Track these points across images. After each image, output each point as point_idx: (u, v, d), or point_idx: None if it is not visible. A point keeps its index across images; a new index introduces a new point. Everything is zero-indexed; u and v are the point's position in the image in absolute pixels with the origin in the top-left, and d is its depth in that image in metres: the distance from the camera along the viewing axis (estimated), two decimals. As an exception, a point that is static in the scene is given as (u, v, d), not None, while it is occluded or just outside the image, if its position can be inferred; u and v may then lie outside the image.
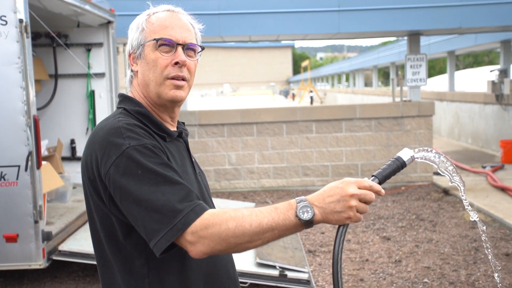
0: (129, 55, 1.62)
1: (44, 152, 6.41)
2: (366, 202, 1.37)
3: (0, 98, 4.47)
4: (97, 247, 1.57)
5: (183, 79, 1.57)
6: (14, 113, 4.46)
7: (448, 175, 1.51)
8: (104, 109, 7.13)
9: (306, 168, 8.97)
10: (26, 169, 4.49)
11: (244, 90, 58.48)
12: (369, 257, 5.61)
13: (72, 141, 7.20)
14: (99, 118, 7.09)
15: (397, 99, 9.72)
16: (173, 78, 1.55)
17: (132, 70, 1.62)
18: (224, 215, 1.35)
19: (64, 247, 5.04)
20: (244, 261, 5.04)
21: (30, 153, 4.49)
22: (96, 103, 7.13)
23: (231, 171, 8.88)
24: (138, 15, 1.66)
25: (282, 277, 4.80)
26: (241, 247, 1.37)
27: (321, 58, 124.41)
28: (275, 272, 4.85)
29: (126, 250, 1.49)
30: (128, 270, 1.50)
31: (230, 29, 8.27)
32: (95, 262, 4.89)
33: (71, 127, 7.17)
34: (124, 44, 7.35)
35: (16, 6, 4.40)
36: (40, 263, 4.63)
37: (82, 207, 5.99)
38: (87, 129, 7.17)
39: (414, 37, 9.60)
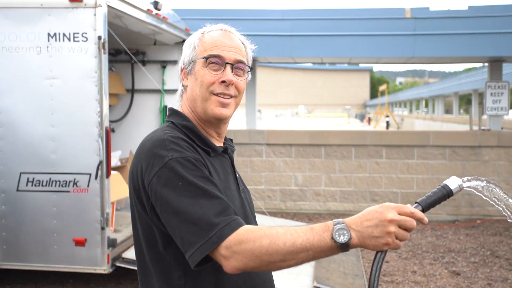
0: (181, 70, 1.66)
1: (116, 162, 6.69)
2: (407, 229, 1.31)
3: (76, 110, 4.73)
4: (138, 255, 1.60)
5: (230, 96, 1.59)
6: (88, 124, 4.69)
7: (503, 208, 1.42)
8: (176, 124, 7.35)
9: (374, 194, 8.75)
10: (96, 177, 4.70)
11: (319, 112, 58.24)
12: (434, 291, 5.34)
13: (144, 154, 7.45)
14: (171, 133, 7.31)
15: (476, 128, 9.29)
16: (218, 95, 1.57)
17: (182, 85, 1.67)
18: (258, 232, 1.34)
19: (127, 254, 5.20)
20: (301, 284, 4.97)
21: (100, 162, 4.70)
22: (168, 118, 7.36)
23: (297, 192, 8.83)
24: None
25: (339, 303, 4.69)
26: (274, 266, 1.35)
27: (400, 83, 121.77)
28: (332, 298, 4.74)
29: (165, 260, 1.51)
30: (166, 280, 1.52)
31: (302, 51, 8.30)
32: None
33: (143, 140, 7.43)
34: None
35: (96, 24, 4.67)
36: (104, 268, 4.80)
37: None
38: (159, 143, 7.41)
39: (495, 63, 9.17)
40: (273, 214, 8.41)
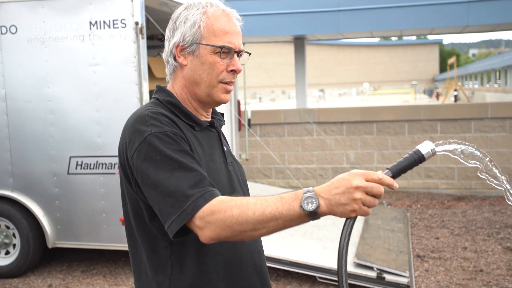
0: (176, 47, 1.61)
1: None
2: (375, 195, 1.29)
3: (118, 94, 4.92)
4: (128, 228, 1.67)
5: (232, 84, 1.63)
6: (129, 108, 4.86)
7: (481, 166, 1.36)
8: (224, 105, 7.45)
9: (429, 170, 8.50)
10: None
11: (385, 89, 56.79)
12: (485, 267, 5.16)
13: (194, 136, 7.64)
14: (219, 114, 7.43)
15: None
16: (225, 83, 1.60)
17: (177, 61, 1.63)
18: (230, 202, 1.37)
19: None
20: (342, 260, 4.97)
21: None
22: (216, 100, 7.48)
23: (350, 170, 8.72)
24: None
25: (380, 279, 4.64)
26: (246, 235, 1.37)
27: (473, 55, 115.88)
28: (373, 274, 4.70)
29: (152, 232, 1.57)
30: (153, 251, 1.58)
31: (350, 26, 8.12)
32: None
33: (193, 122, 7.60)
34: (243, 43, 7.57)
35: (134, 10, 4.82)
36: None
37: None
38: (207, 124, 7.56)
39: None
40: (326, 192, 8.37)
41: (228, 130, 7.47)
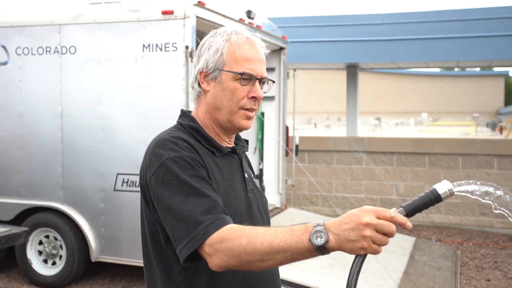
0: (200, 73, 1.66)
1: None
2: (386, 234, 1.25)
3: (166, 115, 5.03)
4: (144, 250, 1.69)
5: (254, 110, 1.64)
6: (176, 128, 4.97)
7: (504, 211, 1.31)
8: (272, 130, 7.48)
9: (483, 207, 8.14)
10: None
11: (445, 120, 55.27)
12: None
13: (241, 159, 7.67)
14: (267, 139, 7.46)
15: None
16: (246, 109, 1.62)
17: (201, 87, 1.67)
18: (239, 231, 1.36)
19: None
20: (382, 296, 4.81)
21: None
22: (265, 125, 7.52)
23: (399, 202, 8.50)
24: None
25: (420, 319, 4.45)
26: (254, 265, 1.36)
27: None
28: (414, 313, 4.51)
29: (167, 255, 1.58)
30: (167, 275, 1.59)
31: (403, 55, 8.00)
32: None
33: (241, 146, 7.66)
34: (294, 70, 7.62)
35: (185, 34, 4.95)
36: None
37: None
38: (255, 148, 7.59)
39: None
40: (373, 223, 8.17)
41: (275, 155, 7.47)
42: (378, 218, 1.26)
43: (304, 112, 40.44)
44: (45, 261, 5.64)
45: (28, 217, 5.57)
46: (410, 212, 1.31)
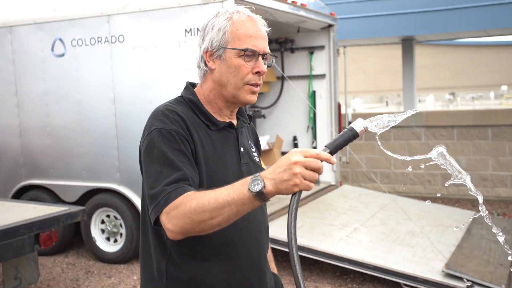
0: (206, 52, 1.73)
1: (264, 146, 7.10)
2: (314, 170, 1.34)
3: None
4: (142, 214, 1.82)
5: (258, 85, 1.73)
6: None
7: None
8: (324, 109, 7.47)
9: (553, 179, 7.70)
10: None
11: (528, 92, 51.86)
12: None
13: (295, 138, 7.74)
14: (319, 117, 7.47)
15: None
16: (251, 85, 1.71)
17: (207, 66, 1.74)
18: (192, 195, 1.47)
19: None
20: (430, 269, 4.74)
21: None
22: (317, 103, 7.52)
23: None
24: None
25: (469, 291, 4.36)
26: (206, 224, 1.45)
27: None
28: (462, 285, 4.42)
29: None
30: (159, 237, 1.72)
31: (459, 25, 7.65)
32: (282, 248, 5.21)
33: (293, 124, 7.72)
34: (344, 47, 7.53)
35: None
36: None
37: (288, 200, 6.42)
38: (308, 127, 7.62)
39: None
40: (434, 199, 7.98)
41: (327, 133, 7.46)
42: (305, 156, 1.34)
43: (375, 90, 39.47)
44: (108, 238, 6.02)
45: (90, 198, 5.96)
46: (333, 149, 1.40)
